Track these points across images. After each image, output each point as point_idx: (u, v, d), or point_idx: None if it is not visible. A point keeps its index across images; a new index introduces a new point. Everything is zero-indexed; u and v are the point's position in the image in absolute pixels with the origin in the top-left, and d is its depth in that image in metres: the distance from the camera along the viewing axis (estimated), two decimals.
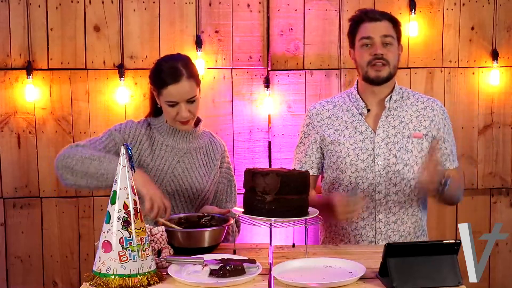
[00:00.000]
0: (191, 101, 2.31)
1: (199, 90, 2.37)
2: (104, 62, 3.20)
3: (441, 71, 3.33)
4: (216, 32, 3.23)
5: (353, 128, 2.38)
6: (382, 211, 2.33)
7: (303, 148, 2.46)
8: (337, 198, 2.22)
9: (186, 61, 2.35)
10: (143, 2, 3.19)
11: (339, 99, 2.48)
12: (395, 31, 2.37)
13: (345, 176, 2.35)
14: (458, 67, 3.33)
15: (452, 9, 3.30)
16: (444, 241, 1.79)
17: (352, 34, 2.41)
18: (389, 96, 2.38)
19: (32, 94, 3.13)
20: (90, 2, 3.16)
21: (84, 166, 2.21)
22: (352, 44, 2.42)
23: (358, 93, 2.42)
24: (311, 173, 2.41)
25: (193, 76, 2.32)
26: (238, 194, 2.52)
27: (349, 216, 2.21)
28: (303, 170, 2.37)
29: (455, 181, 2.25)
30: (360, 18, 2.37)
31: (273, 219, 1.78)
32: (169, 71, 2.29)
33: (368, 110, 2.40)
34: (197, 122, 2.46)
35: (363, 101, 2.40)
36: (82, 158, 2.22)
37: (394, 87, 2.40)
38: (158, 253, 1.93)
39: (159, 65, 2.35)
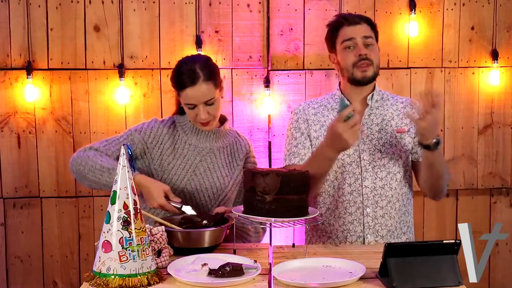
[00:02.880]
0: (209, 103, 2.29)
1: (220, 90, 2.35)
2: (104, 62, 3.20)
3: (441, 71, 3.33)
4: (216, 32, 3.23)
5: None
6: (369, 205, 2.34)
7: (297, 142, 2.43)
8: (334, 125, 2.06)
9: (204, 63, 2.32)
10: (143, 2, 3.19)
11: (323, 100, 2.49)
12: (374, 33, 2.39)
13: (331, 171, 2.35)
14: (458, 67, 3.33)
15: (452, 9, 3.30)
16: (444, 241, 1.79)
17: (331, 38, 2.42)
18: (371, 94, 2.39)
19: (32, 94, 3.13)
20: (90, 2, 3.16)
21: (95, 176, 2.25)
22: (332, 49, 2.42)
23: (342, 93, 2.42)
24: None
25: (211, 78, 2.30)
26: None
27: (355, 133, 2.04)
28: (302, 162, 2.38)
29: (441, 156, 2.26)
30: (339, 23, 2.38)
31: (273, 219, 1.78)
32: (187, 74, 2.28)
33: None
34: (223, 121, 2.45)
35: (347, 100, 2.37)
36: (93, 168, 2.25)
37: (374, 87, 2.42)
38: (158, 253, 1.93)
39: (179, 67, 2.33)
